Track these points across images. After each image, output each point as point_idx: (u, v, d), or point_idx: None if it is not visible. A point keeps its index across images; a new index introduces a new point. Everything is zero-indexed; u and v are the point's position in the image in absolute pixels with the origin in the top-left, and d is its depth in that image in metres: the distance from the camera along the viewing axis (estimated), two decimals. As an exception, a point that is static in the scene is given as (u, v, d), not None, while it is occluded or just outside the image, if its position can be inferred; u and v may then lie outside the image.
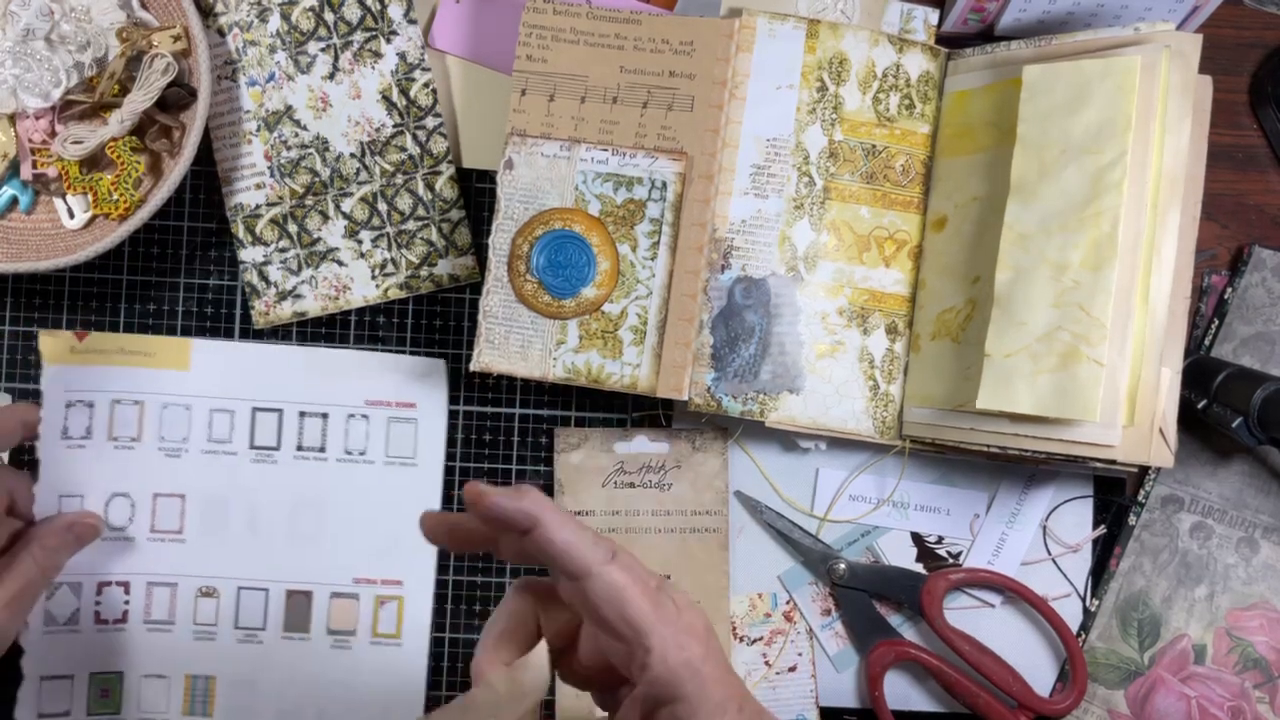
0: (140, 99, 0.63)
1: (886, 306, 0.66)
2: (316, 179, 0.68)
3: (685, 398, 0.63)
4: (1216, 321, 0.68)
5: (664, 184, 0.63)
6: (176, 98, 0.65)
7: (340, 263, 0.68)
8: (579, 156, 0.64)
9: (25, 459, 0.68)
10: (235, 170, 0.68)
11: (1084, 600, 0.69)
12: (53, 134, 0.65)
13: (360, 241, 0.68)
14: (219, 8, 0.68)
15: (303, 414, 0.68)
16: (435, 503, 0.68)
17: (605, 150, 0.64)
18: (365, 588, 0.68)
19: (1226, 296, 0.69)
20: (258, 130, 0.68)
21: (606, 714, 0.47)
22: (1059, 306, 0.59)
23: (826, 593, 0.69)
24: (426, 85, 0.68)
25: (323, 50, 0.68)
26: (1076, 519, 0.69)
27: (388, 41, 0.68)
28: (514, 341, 0.64)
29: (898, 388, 0.66)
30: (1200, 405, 0.64)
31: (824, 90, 0.66)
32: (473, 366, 0.64)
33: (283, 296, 0.68)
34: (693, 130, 0.63)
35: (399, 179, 0.68)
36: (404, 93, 0.68)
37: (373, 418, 0.68)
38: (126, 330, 0.68)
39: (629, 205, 0.64)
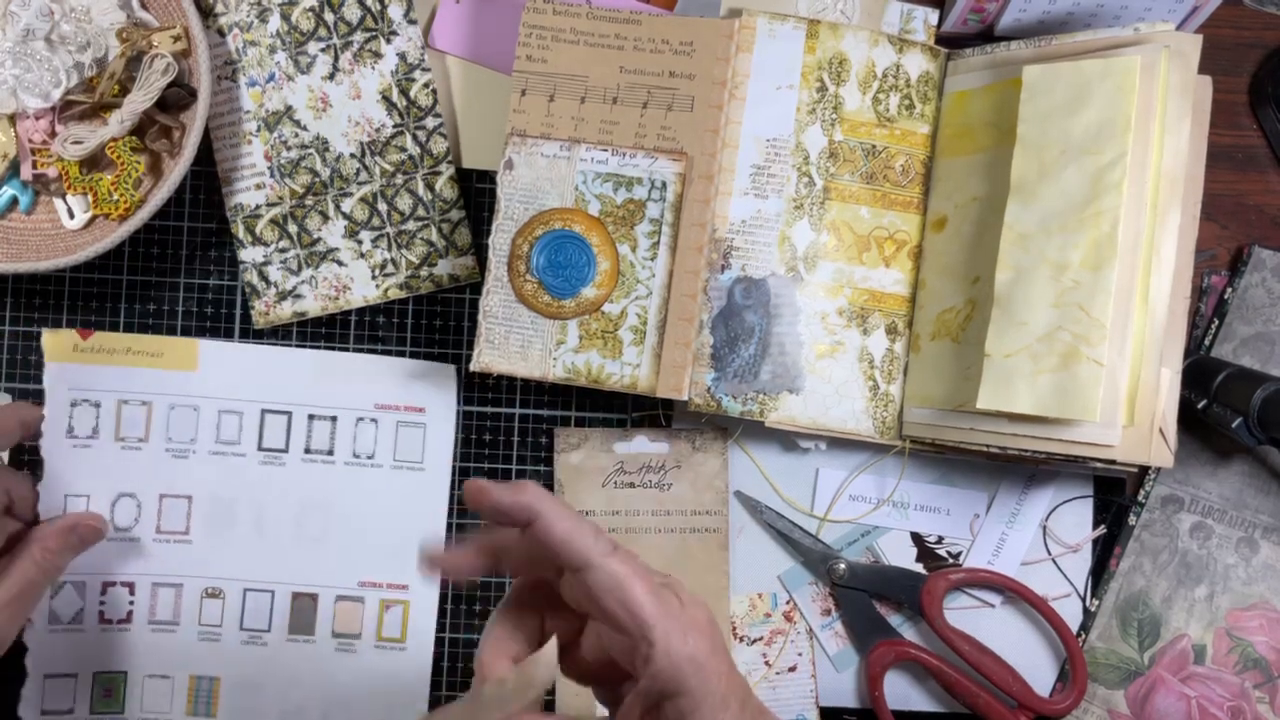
0: (140, 99, 0.63)
1: (886, 306, 0.66)
2: (316, 179, 0.68)
3: (685, 398, 0.63)
4: (1216, 321, 0.69)
5: (664, 184, 0.63)
6: (176, 98, 0.65)
7: (340, 263, 0.68)
8: (579, 156, 0.64)
9: (25, 458, 0.68)
10: (235, 170, 0.68)
11: (1084, 600, 0.69)
12: (53, 134, 0.65)
13: (360, 241, 0.68)
14: (219, 8, 0.68)
15: (312, 416, 0.68)
16: (442, 508, 0.69)
17: (605, 150, 0.64)
18: (371, 591, 0.68)
19: (1226, 296, 0.69)
20: (258, 130, 0.68)
21: (607, 712, 0.48)
22: (1059, 306, 0.59)
23: (826, 593, 0.69)
24: (426, 85, 0.68)
25: (323, 50, 0.68)
26: (1076, 519, 0.69)
27: (388, 42, 0.68)
28: (514, 341, 0.64)
29: (898, 388, 0.66)
30: (1200, 405, 0.64)
31: (824, 90, 0.66)
32: (473, 366, 0.64)
33: (283, 296, 0.68)
34: (693, 130, 0.63)
35: (399, 179, 0.68)
36: (404, 93, 0.68)
37: (382, 421, 0.68)
38: (127, 330, 0.68)
39: (629, 205, 0.64)
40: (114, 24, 0.65)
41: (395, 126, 0.68)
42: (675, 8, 0.68)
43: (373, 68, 0.68)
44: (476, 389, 0.70)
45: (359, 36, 0.68)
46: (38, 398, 0.67)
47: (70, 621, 0.66)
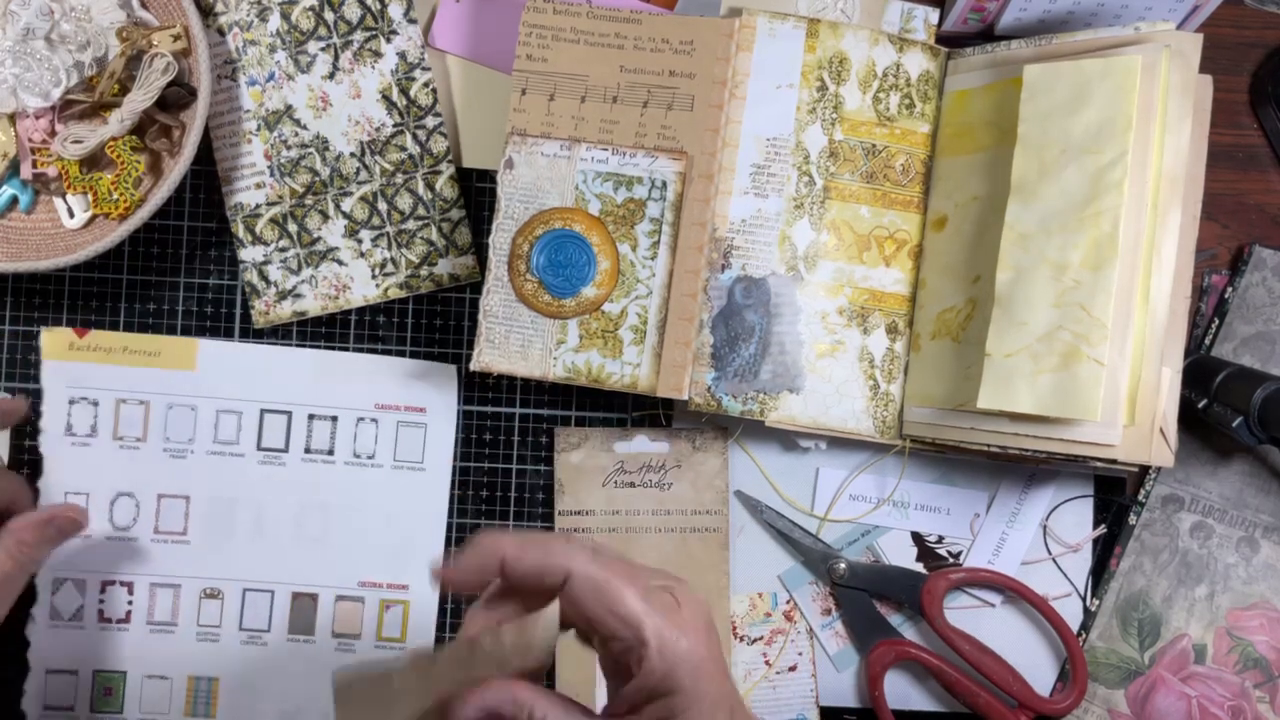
0: (140, 99, 0.63)
1: (886, 306, 0.66)
2: (316, 178, 0.68)
3: (685, 397, 0.63)
4: (1217, 321, 0.68)
5: (664, 183, 0.63)
6: (176, 97, 0.65)
7: (340, 262, 0.68)
8: (579, 156, 0.64)
9: (25, 457, 0.68)
10: (235, 170, 0.68)
11: (1084, 600, 0.69)
12: (53, 134, 0.65)
13: (360, 241, 0.68)
14: (219, 7, 0.68)
15: (312, 416, 0.68)
16: (442, 508, 0.68)
17: (605, 150, 0.64)
18: (371, 591, 0.68)
19: (1227, 296, 0.69)
20: (258, 130, 0.68)
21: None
22: (1059, 306, 0.59)
23: (826, 592, 0.69)
24: (426, 85, 0.68)
25: (323, 50, 0.68)
26: (1076, 519, 0.69)
27: (388, 41, 0.68)
28: (514, 341, 0.64)
29: (898, 387, 0.66)
30: (1200, 405, 0.64)
31: (824, 90, 0.65)
32: (473, 366, 0.64)
33: (283, 296, 0.68)
34: (693, 130, 0.63)
35: (399, 178, 0.68)
36: (404, 92, 0.68)
37: (382, 421, 0.68)
38: (127, 329, 0.68)
39: (629, 205, 0.64)
40: (114, 23, 0.65)
41: (395, 126, 0.68)
42: (675, 7, 0.68)
43: (373, 67, 0.68)
44: (477, 389, 0.70)
45: (359, 36, 0.68)
46: (38, 396, 0.67)
47: (70, 618, 0.66)
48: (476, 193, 0.70)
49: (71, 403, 0.67)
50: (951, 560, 0.69)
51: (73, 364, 0.67)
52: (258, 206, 0.68)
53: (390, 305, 0.69)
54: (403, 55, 0.68)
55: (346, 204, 0.68)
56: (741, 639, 0.69)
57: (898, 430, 0.66)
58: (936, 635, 0.67)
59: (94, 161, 0.65)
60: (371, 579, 0.68)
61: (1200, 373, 0.65)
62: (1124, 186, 0.58)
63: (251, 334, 0.69)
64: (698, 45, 0.63)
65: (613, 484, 0.69)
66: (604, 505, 0.68)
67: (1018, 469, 0.69)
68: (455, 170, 0.68)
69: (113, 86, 0.65)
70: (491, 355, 0.64)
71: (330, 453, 0.68)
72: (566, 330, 0.63)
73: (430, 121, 0.68)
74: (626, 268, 0.63)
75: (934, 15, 0.68)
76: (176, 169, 0.63)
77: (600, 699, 0.67)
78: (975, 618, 0.69)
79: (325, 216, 0.68)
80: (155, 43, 0.65)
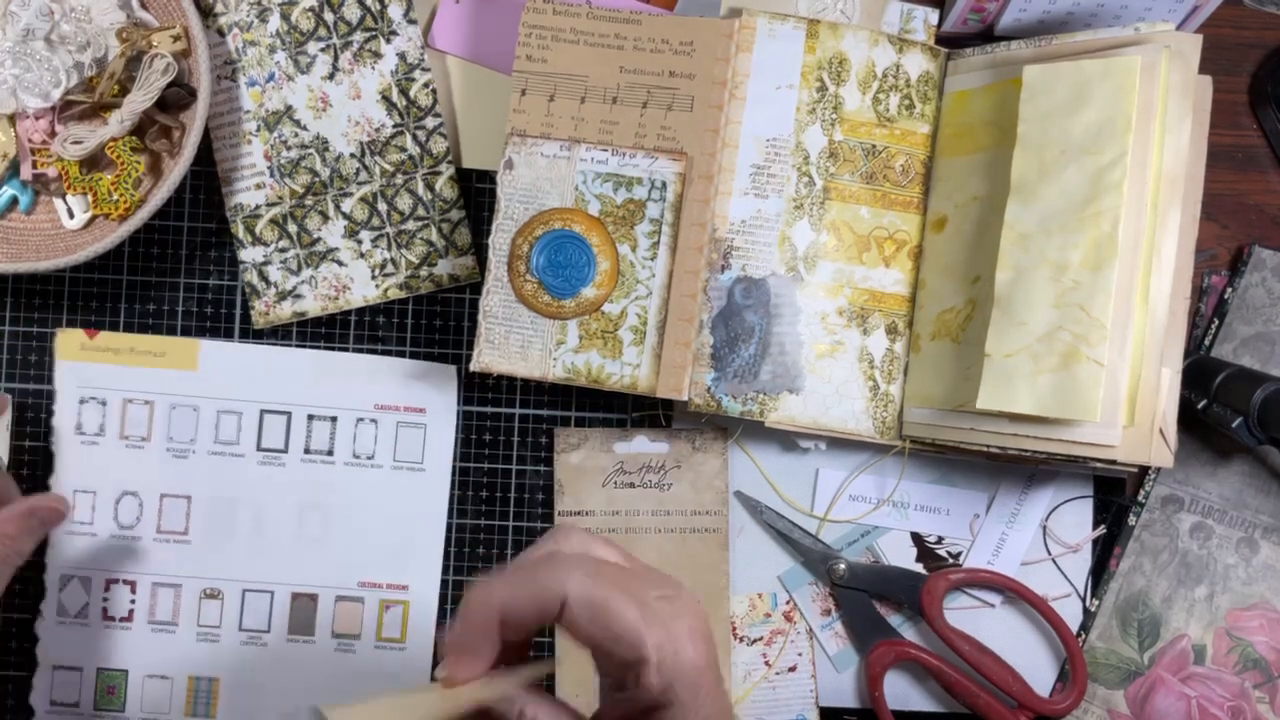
0: (140, 99, 0.63)
1: (886, 306, 0.66)
2: (316, 179, 0.68)
3: (685, 398, 0.63)
4: (1216, 321, 0.68)
5: (664, 184, 0.63)
6: (176, 98, 0.65)
7: (340, 263, 0.68)
8: (579, 156, 0.64)
9: (25, 458, 0.68)
10: (235, 170, 0.68)
11: (1084, 600, 0.69)
12: (53, 134, 0.65)
13: (360, 241, 0.68)
14: (219, 8, 0.68)
15: (311, 417, 0.68)
16: (442, 508, 0.69)
17: (605, 150, 0.64)
18: (370, 591, 0.68)
19: (1226, 296, 0.69)
20: (258, 130, 0.68)
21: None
22: (1059, 306, 0.59)
23: (826, 593, 0.69)
24: (426, 85, 0.68)
25: (323, 50, 0.68)
26: (1076, 519, 0.69)
27: (387, 41, 0.68)
28: (514, 341, 0.64)
29: (898, 388, 0.66)
30: (1200, 405, 0.64)
31: (824, 90, 0.65)
32: (473, 366, 0.64)
33: (283, 296, 0.68)
34: (693, 130, 0.63)
35: (399, 179, 0.68)
36: (404, 93, 0.68)
37: (382, 422, 0.68)
38: (127, 330, 0.69)
39: (629, 205, 0.64)
40: (114, 24, 0.65)
41: (395, 126, 0.68)
42: (675, 8, 0.68)
43: (373, 67, 0.68)
44: (476, 389, 0.70)
45: (359, 36, 0.68)
46: (38, 396, 0.67)
47: (76, 615, 0.67)
48: (476, 193, 0.70)
49: (82, 402, 0.67)
50: (951, 561, 0.69)
51: (83, 364, 0.67)
52: (258, 207, 0.68)
53: (390, 306, 0.69)
54: (402, 56, 0.68)
55: (346, 205, 0.68)
56: (741, 639, 0.69)
57: (897, 431, 0.66)
58: (936, 636, 0.67)
59: (94, 162, 0.65)
60: (371, 579, 0.68)
61: (1200, 373, 0.65)
62: (1124, 187, 0.58)
63: (251, 334, 0.69)
64: (697, 46, 0.63)
65: (612, 484, 0.69)
66: (604, 506, 0.68)
67: (1017, 469, 0.68)
68: (455, 171, 0.68)
69: (113, 87, 0.65)
70: (491, 356, 0.64)
71: (330, 453, 0.68)
72: (566, 331, 0.63)
73: (430, 122, 0.68)
74: (626, 268, 0.63)
75: (934, 16, 0.68)
76: (176, 170, 0.63)
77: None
78: (975, 618, 0.69)
79: (325, 217, 0.68)
80: (155, 43, 0.65)
